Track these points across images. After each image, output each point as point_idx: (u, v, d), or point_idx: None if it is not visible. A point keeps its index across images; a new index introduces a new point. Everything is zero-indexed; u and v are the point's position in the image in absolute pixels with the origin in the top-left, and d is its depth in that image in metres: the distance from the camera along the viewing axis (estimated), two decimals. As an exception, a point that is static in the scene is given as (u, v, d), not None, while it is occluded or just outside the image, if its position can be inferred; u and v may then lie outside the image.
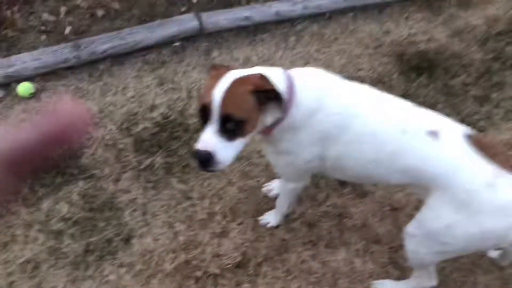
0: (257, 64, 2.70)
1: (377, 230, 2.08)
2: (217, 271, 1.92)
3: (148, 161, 2.27)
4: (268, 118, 1.40)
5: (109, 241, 1.97)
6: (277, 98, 1.33)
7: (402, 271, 1.94)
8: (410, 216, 2.06)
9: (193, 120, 2.45)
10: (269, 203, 2.15)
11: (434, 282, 1.76)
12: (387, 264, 1.98)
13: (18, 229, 1.98)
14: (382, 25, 3.10)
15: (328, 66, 2.78)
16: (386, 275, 1.93)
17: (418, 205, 1.98)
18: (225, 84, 1.32)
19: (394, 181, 1.52)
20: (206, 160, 1.31)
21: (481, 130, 2.45)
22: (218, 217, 2.10)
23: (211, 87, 1.33)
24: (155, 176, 2.22)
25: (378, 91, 1.54)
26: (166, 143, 2.35)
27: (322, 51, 2.92)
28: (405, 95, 2.60)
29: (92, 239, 1.97)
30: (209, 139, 1.31)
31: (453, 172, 1.32)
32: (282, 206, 1.96)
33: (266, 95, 1.33)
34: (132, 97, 2.58)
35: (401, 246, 1.98)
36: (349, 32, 3.04)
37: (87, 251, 1.94)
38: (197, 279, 1.90)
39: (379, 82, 2.73)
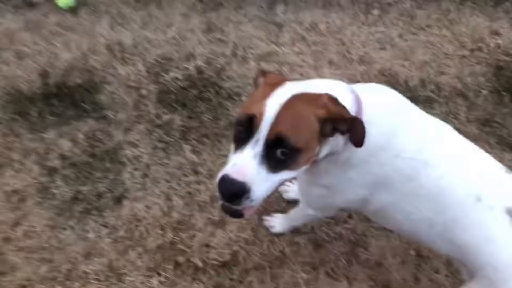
0: (321, 35, 2.29)
1: (391, 273, 1.78)
2: (200, 263, 1.76)
3: (166, 118, 2.06)
4: (324, 151, 1.09)
5: (100, 195, 1.85)
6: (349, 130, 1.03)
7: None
8: (435, 270, 1.76)
9: (230, 84, 2.17)
10: (282, 204, 1.90)
11: None
12: (390, 317, 1.70)
13: (16, 153, 1.90)
14: (492, 23, 2.49)
15: (405, 58, 2.31)
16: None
17: (449, 261, 1.66)
18: (283, 97, 1.00)
19: (443, 251, 1.23)
20: (235, 193, 0.97)
21: None
22: (218, 204, 1.89)
23: (262, 95, 1.01)
24: (169, 137, 2.01)
25: (462, 138, 1.21)
26: (192, 102, 2.11)
27: (405, 37, 2.43)
28: (487, 121, 2.13)
29: (83, 188, 1.85)
30: (247, 165, 0.97)
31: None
32: (294, 219, 1.71)
33: (336, 126, 1.02)
34: (173, 38, 2.31)
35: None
36: (447, 21, 2.48)
37: (75, 199, 1.83)
38: (177, 265, 1.75)
39: (461, 95, 2.24)
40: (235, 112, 2.05)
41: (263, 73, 1.14)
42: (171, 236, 1.80)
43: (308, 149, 1.01)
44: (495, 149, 2.06)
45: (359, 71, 2.28)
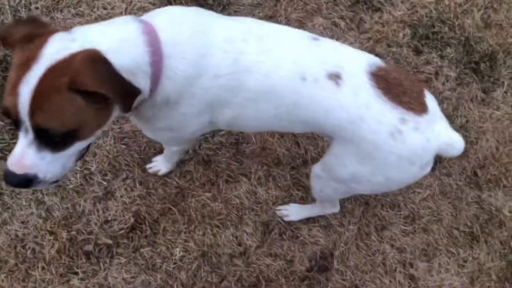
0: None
1: (276, 150, 1.96)
2: (109, 240, 1.73)
3: None
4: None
5: (-37, 241, 1.63)
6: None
7: (305, 190, 1.92)
8: (309, 136, 1.98)
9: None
10: (156, 146, 1.88)
11: (337, 209, 1.77)
12: (290, 186, 1.93)
13: None
14: None
15: None
16: (290, 199, 1.90)
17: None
18: (35, 76, 0.89)
19: (298, 131, 1.35)
20: (21, 184, 0.98)
21: (378, 8, 2.24)
22: (97, 178, 1.81)
23: (16, 77, 0.90)
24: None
25: (264, 24, 1.23)
26: None
27: None
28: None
29: None
30: (24, 155, 0.95)
31: (356, 124, 1.15)
32: (170, 157, 1.72)
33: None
34: None
35: (302, 163, 1.93)
36: None
37: None
38: (88, 256, 1.71)
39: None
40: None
41: (30, 23, 0.98)
42: (65, 234, 1.72)
43: (85, 123, 0.97)
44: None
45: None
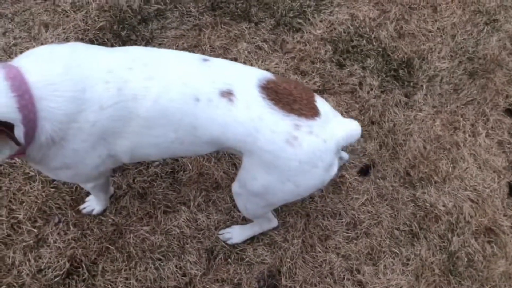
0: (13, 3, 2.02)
1: (214, 175, 2.01)
2: (44, 290, 1.68)
3: None
4: (5, 151, 1.05)
5: None
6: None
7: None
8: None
9: None
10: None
11: (275, 223, 1.82)
12: (231, 208, 1.97)
13: None
14: None
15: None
16: (232, 221, 1.94)
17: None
18: None
19: (205, 151, 1.39)
20: None
21: (299, 28, 2.41)
22: (26, 225, 1.77)
23: None
24: None
25: (153, 50, 1.30)
26: None
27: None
28: (214, 4, 2.35)
29: None
30: None
31: (253, 136, 1.22)
32: (96, 194, 1.72)
33: None
34: None
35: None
36: None
37: None
38: (22, 310, 1.64)
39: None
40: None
41: None
42: (-7, 288, 1.65)
43: None
44: (233, 22, 2.34)
45: (79, 19, 2.20)
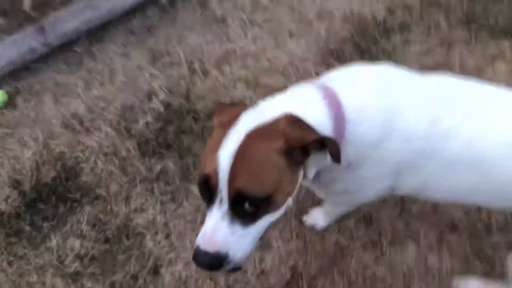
0: (267, 10, 2.19)
1: (452, 213, 1.79)
2: (263, 293, 1.73)
3: (158, 168, 1.99)
4: (310, 170, 1.05)
5: (135, 276, 1.80)
6: (324, 145, 0.95)
7: (488, 262, 1.68)
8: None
9: (202, 103, 2.11)
10: (315, 197, 1.87)
11: None
12: (468, 255, 1.71)
13: (31, 276, 1.83)
14: None
15: (360, -6, 2.26)
16: (469, 270, 1.68)
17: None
18: (235, 142, 0.92)
19: (498, 208, 1.20)
20: (212, 265, 0.93)
21: None
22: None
23: (215, 145, 0.94)
24: (170, 186, 1.96)
25: (477, 85, 1.13)
26: (175, 140, 2.04)
27: (349, -28, 2.36)
28: (470, 18, 2.11)
29: (116, 277, 1.80)
30: (217, 230, 0.92)
31: None
32: (330, 212, 1.69)
33: (306, 149, 0.95)
34: (123, 83, 2.22)
35: (485, 231, 1.72)
36: None
37: (113, 292, 1.78)
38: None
39: (434, 4, 2.20)
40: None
41: (218, 109, 1.06)
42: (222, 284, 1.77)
43: (281, 188, 0.94)
44: (491, 38, 2.07)
45: (323, 29, 2.23)
